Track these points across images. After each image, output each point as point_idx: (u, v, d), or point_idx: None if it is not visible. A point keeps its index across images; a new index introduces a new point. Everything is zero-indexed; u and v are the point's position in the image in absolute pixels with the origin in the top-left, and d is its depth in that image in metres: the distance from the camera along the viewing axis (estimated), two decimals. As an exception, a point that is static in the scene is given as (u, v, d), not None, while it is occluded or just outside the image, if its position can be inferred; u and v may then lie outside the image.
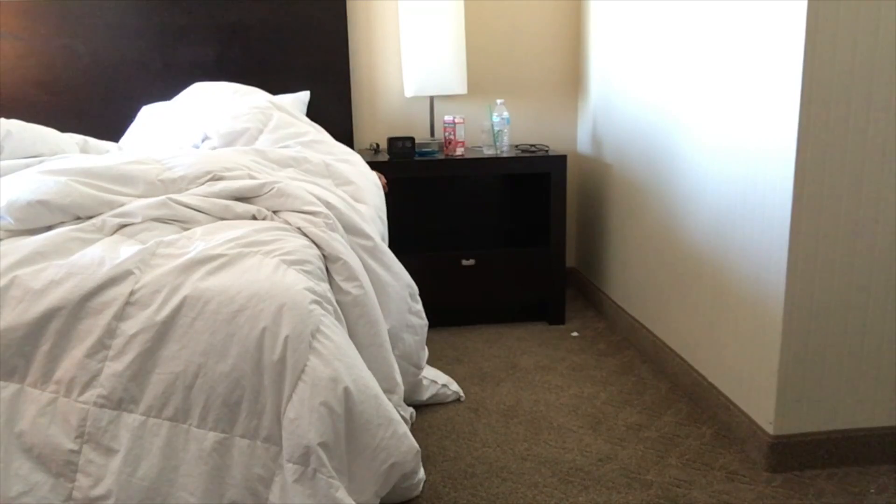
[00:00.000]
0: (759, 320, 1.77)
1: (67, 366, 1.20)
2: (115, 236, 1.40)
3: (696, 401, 2.09)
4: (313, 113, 2.95)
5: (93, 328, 1.21)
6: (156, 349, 1.21)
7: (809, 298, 1.67)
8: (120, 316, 1.22)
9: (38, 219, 1.40)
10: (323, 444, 1.17)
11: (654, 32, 2.33)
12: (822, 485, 1.69)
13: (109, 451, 1.18)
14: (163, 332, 1.21)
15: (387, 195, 2.29)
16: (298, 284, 1.27)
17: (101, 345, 1.20)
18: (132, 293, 1.23)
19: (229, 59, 2.91)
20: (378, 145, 3.03)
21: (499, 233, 3.19)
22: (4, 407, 1.18)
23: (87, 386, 1.19)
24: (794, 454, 1.73)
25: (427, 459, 1.81)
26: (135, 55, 2.86)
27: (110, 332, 1.21)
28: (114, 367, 1.19)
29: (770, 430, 1.74)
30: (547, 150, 2.86)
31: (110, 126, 2.82)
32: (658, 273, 2.38)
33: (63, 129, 2.83)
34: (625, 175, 2.67)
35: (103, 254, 1.29)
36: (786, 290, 1.66)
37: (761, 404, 1.77)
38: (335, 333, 1.26)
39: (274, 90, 2.91)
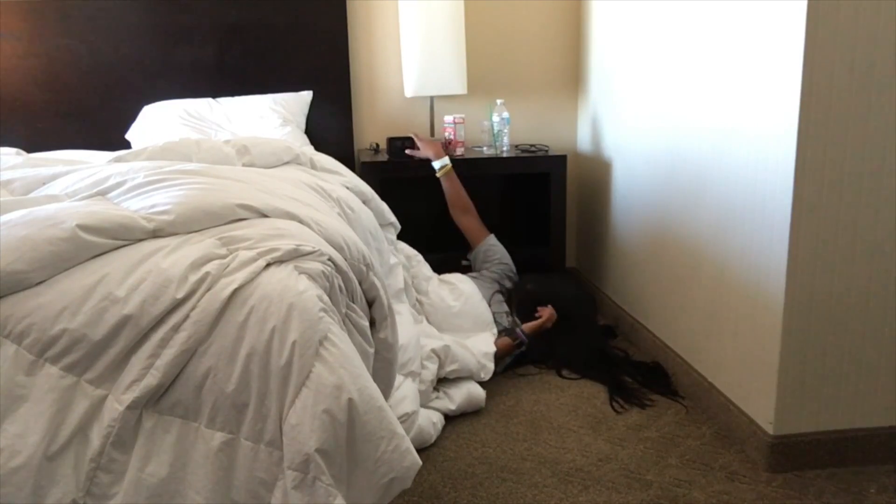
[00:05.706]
0: (759, 320, 1.77)
1: (126, 369, 1.21)
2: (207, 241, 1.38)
3: (696, 401, 2.09)
4: (314, 113, 2.95)
5: (153, 338, 1.21)
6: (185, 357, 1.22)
7: (809, 298, 1.67)
8: (177, 328, 1.22)
9: (195, 224, 1.38)
10: (322, 451, 1.17)
11: (655, 32, 2.33)
12: (822, 485, 1.69)
13: (128, 449, 1.19)
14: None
15: (386, 197, 2.28)
16: (310, 290, 1.27)
17: (154, 355, 1.21)
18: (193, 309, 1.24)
19: (229, 59, 2.91)
20: (378, 145, 3.03)
21: (498, 233, 3.19)
22: (58, 396, 1.18)
23: (127, 389, 1.20)
24: (794, 454, 1.74)
25: (427, 459, 1.81)
26: (135, 55, 2.86)
27: (164, 343, 1.22)
28: (155, 374, 1.20)
29: (770, 430, 1.74)
30: (547, 150, 2.86)
31: (110, 126, 2.82)
32: (658, 273, 2.38)
33: (63, 129, 2.85)
34: (625, 175, 2.67)
35: (186, 273, 1.28)
36: (786, 290, 1.66)
37: (761, 404, 1.78)
38: (342, 342, 1.26)
39: (274, 90, 2.91)
